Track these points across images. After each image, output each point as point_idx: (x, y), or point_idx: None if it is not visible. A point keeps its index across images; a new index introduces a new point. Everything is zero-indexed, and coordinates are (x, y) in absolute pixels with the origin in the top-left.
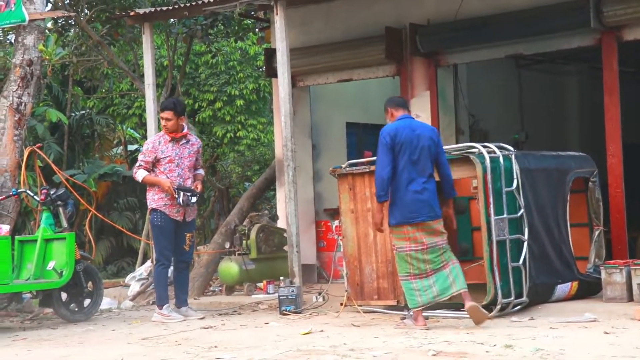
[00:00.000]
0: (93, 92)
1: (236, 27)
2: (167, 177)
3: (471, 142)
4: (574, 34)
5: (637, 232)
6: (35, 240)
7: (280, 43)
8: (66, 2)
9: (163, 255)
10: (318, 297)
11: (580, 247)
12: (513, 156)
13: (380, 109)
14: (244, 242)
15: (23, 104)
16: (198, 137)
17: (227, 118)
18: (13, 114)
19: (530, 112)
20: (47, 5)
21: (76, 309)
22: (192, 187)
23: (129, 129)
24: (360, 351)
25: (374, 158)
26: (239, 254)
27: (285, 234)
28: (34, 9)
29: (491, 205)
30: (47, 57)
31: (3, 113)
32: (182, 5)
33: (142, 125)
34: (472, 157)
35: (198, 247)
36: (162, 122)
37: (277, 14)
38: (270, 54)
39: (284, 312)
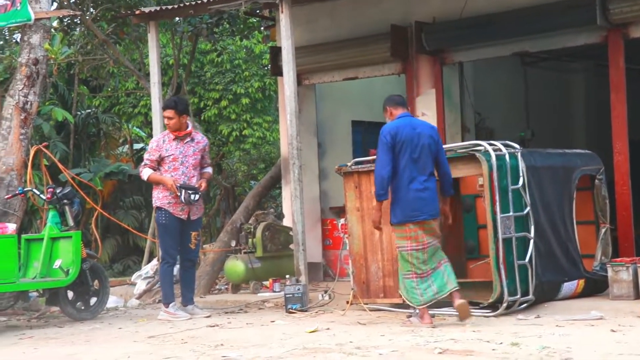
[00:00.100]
0: (99, 90)
1: (241, 26)
2: (172, 176)
3: (477, 139)
4: (580, 32)
5: None
6: (42, 239)
7: (286, 41)
8: (72, 1)
9: (168, 253)
10: (324, 295)
11: (586, 244)
12: (519, 154)
13: None
14: (250, 240)
15: (29, 103)
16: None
17: (233, 116)
18: (19, 113)
19: (536, 110)
20: (52, 4)
21: (82, 308)
22: (196, 186)
23: (134, 127)
24: (366, 349)
25: None
26: (244, 252)
27: (291, 232)
28: (40, 8)
29: (497, 203)
30: (53, 56)
31: (9, 112)
32: (187, 3)
33: (147, 123)
34: (478, 155)
35: (204, 246)
36: (165, 121)
37: (282, 12)
38: (276, 52)
39: (290, 310)
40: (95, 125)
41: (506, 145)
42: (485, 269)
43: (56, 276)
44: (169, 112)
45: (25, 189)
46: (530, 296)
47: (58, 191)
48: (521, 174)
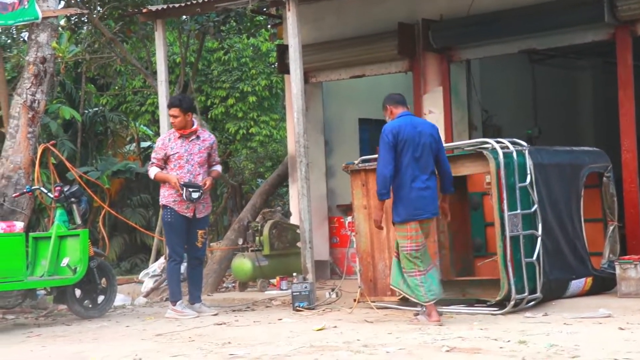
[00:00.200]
0: (106, 89)
1: (248, 24)
2: (177, 174)
3: (484, 137)
4: (588, 29)
5: None
6: (49, 237)
7: (293, 39)
8: (79, 0)
9: (175, 251)
10: (331, 293)
11: (594, 242)
12: (526, 151)
13: None
14: (257, 238)
15: (36, 102)
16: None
17: (240, 115)
18: (27, 112)
19: (543, 107)
20: (60, 2)
21: (90, 306)
22: (200, 184)
23: (141, 125)
24: (373, 347)
25: None
26: (252, 250)
27: (298, 230)
28: (47, 6)
29: (504, 201)
30: (60, 55)
31: (17, 110)
32: (194, 1)
33: (154, 122)
34: (485, 152)
35: (211, 244)
36: (170, 120)
37: (289, 10)
38: (283, 50)
39: (297, 308)
40: (102, 123)
41: (514, 143)
42: (493, 267)
43: (64, 274)
44: (174, 111)
45: (32, 187)
46: (538, 294)
47: (65, 189)
48: (529, 172)
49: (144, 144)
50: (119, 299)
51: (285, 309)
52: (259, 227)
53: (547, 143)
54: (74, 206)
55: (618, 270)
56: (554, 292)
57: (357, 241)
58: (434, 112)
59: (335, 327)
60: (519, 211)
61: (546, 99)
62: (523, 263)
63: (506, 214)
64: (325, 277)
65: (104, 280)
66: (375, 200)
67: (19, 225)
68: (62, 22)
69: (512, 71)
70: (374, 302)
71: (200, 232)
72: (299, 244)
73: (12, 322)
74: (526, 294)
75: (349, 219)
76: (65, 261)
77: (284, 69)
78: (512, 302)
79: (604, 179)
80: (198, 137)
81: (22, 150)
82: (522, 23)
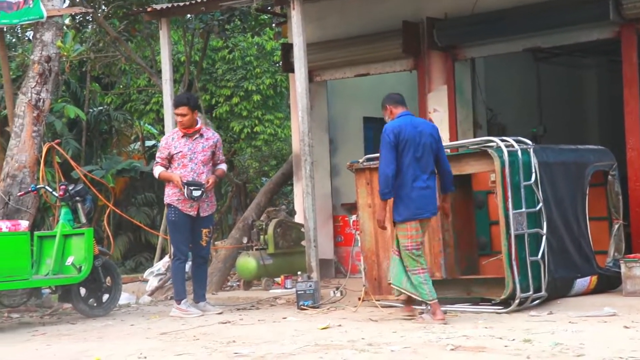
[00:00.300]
0: (111, 88)
1: (253, 23)
2: (181, 173)
3: (489, 136)
4: (593, 27)
5: None
6: (54, 236)
7: (297, 38)
8: None
9: (179, 250)
10: (336, 291)
11: (599, 241)
12: (531, 150)
13: None
14: (262, 237)
15: (41, 100)
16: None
17: (244, 113)
18: (32, 110)
19: (548, 106)
20: (64, 1)
21: (95, 304)
22: (203, 182)
23: (146, 124)
24: (378, 346)
25: None
26: (256, 249)
27: (302, 229)
28: (52, 5)
29: (509, 199)
30: (65, 54)
31: (22, 109)
32: (199, 0)
33: (159, 120)
34: (490, 151)
35: (216, 242)
36: (178, 119)
37: (293, 8)
38: (287, 49)
39: (302, 307)
40: (107, 122)
41: (518, 141)
42: (498, 266)
43: (69, 273)
44: (183, 109)
45: (37, 186)
46: (543, 293)
47: (70, 188)
48: (533, 170)
49: (149, 143)
50: (124, 298)
51: (289, 307)
52: (264, 226)
53: (552, 141)
54: (79, 205)
55: (623, 269)
56: (559, 290)
57: (362, 240)
58: (438, 110)
59: (339, 325)
60: (523, 210)
61: (551, 98)
62: (528, 261)
63: (511, 212)
64: (330, 275)
65: (108, 278)
66: (379, 199)
67: (24, 224)
68: (67, 21)
69: (517, 69)
70: (378, 300)
71: (204, 230)
72: (303, 243)
73: (17, 320)
74: (531, 292)
75: (354, 217)
76: (70, 260)
77: (289, 67)
78: (517, 301)
79: (609, 177)
80: (201, 136)
81: (27, 149)
82: (527, 21)
